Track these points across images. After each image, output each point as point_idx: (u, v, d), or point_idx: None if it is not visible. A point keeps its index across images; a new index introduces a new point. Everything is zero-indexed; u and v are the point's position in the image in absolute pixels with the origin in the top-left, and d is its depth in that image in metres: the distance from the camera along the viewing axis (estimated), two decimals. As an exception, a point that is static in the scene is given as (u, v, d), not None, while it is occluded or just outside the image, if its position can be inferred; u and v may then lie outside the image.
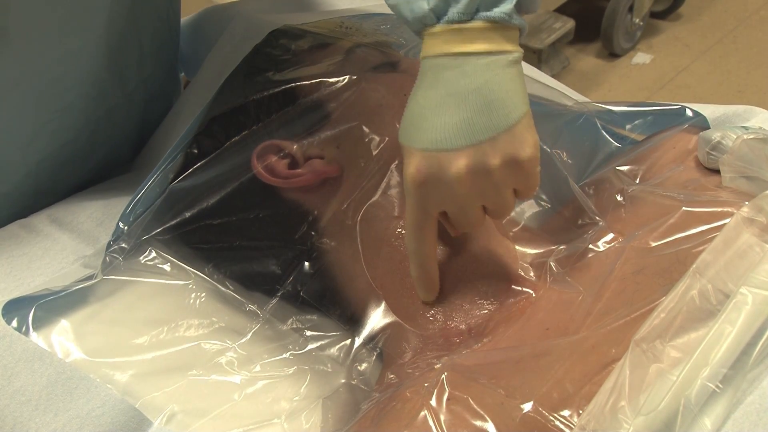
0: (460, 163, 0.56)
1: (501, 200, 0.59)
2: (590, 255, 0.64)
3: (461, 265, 0.66)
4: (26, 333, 0.62)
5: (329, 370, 0.67)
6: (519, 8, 0.57)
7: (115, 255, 0.68)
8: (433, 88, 0.57)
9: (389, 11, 0.84)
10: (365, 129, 0.68)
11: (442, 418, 0.52)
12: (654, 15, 2.35)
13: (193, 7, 0.95)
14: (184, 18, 0.89)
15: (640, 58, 2.25)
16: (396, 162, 0.68)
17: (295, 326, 0.69)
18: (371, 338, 0.67)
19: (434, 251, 0.63)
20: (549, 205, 0.76)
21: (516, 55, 0.57)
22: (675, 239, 0.61)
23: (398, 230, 0.67)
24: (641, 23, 2.25)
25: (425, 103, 0.57)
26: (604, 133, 0.77)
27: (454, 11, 0.55)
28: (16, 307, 0.64)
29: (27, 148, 0.73)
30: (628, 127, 0.78)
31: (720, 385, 0.49)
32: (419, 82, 0.58)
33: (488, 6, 0.55)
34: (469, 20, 0.55)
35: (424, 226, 0.61)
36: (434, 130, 0.56)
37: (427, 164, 0.57)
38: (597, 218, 0.67)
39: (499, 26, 0.56)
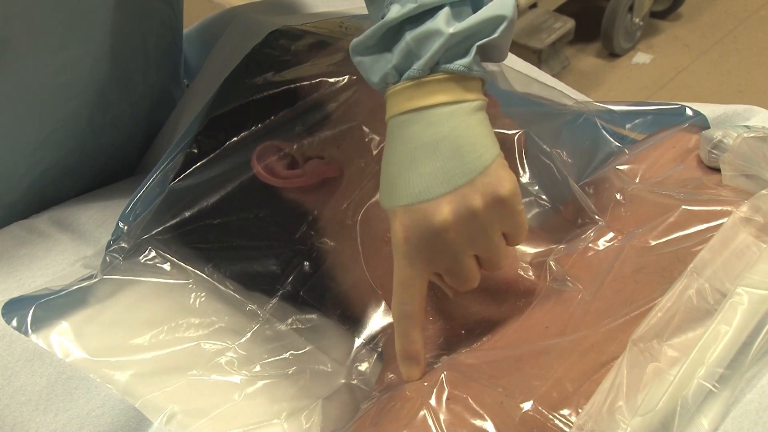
0: (444, 210, 0.54)
1: (492, 245, 0.57)
2: (590, 254, 0.64)
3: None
4: (25, 333, 0.62)
5: (329, 370, 0.67)
6: (485, 57, 0.57)
7: (115, 255, 0.69)
8: (401, 145, 0.56)
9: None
10: (365, 129, 0.68)
11: (441, 417, 0.52)
12: (654, 15, 2.35)
13: (194, 10, 0.95)
14: (189, 27, 0.89)
15: (640, 58, 2.25)
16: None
17: (295, 326, 0.69)
18: (371, 338, 0.67)
19: (421, 319, 0.59)
20: (549, 205, 0.76)
21: (478, 103, 0.56)
22: (675, 238, 0.61)
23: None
24: (641, 23, 2.25)
25: (397, 160, 0.56)
26: (604, 133, 0.77)
27: (414, 67, 0.55)
28: (16, 307, 0.64)
29: (32, 158, 0.73)
30: (628, 126, 0.78)
31: (717, 385, 0.49)
32: (388, 144, 0.57)
33: (448, 59, 0.55)
34: (429, 74, 0.55)
35: (413, 285, 0.57)
36: (411, 184, 0.55)
37: (411, 218, 0.55)
38: (597, 217, 0.67)
39: (459, 77, 0.55)
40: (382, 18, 0.56)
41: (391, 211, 0.57)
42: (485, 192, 0.55)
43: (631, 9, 2.18)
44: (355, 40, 0.57)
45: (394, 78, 0.56)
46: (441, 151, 0.55)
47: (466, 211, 0.55)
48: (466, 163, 0.54)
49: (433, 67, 0.55)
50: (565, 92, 0.84)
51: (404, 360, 0.59)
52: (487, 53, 0.57)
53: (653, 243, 0.61)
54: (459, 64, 0.55)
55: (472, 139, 0.55)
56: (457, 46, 0.55)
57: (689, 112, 0.76)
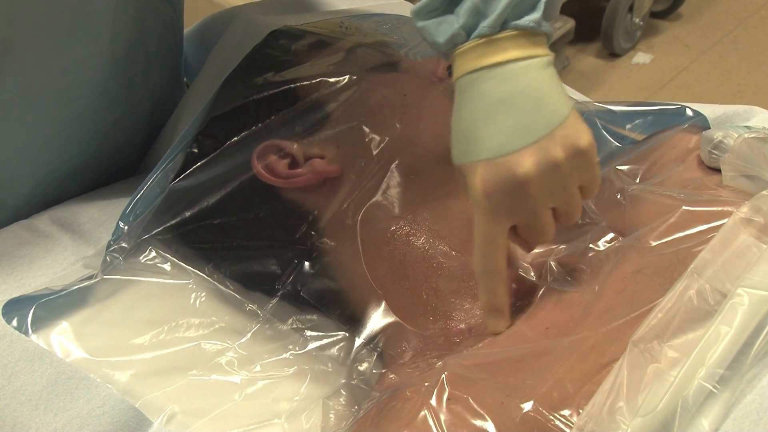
0: (527, 163, 0.55)
1: (571, 198, 0.58)
2: (590, 254, 0.64)
3: (462, 264, 0.65)
4: (25, 333, 0.62)
5: (329, 370, 0.67)
6: (543, 16, 0.58)
7: (115, 255, 0.68)
8: (475, 102, 0.57)
9: (389, 11, 0.84)
10: (365, 129, 0.68)
11: (442, 417, 0.52)
12: (654, 15, 2.35)
13: (194, 10, 0.95)
14: (189, 27, 0.89)
15: (640, 58, 2.25)
16: (396, 162, 0.68)
17: (295, 326, 0.69)
18: (371, 338, 0.67)
19: (504, 272, 0.60)
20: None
21: (548, 58, 0.58)
22: (675, 239, 0.60)
23: (398, 230, 0.67)
24: (641, 23, 2.25)
25: (472, 116, 0.57)
26: (605, 133, 0.77)
27: (483, 25, 0.56)
28: (16, 307, 0.64)
29: (35, 161, 0.73)
30: (628, 126, 0.79)
31: (717, 386, 0.49)
32: (459, 101, 0.58)
33: (517, 16, 0.56)
34: (499, 32, 0.56)
35: (496, 239, 0.58)
36: (490, 138, 0.56)
37: (493, 172, 0.56)
38: (597, 218, 0.67)
39: (528, 33, 0.56)
40: None
41: (469, 166, 0.57)
42: (565, 144, 0.56)
43: (631, 9, 2.18)
44: (415, 7, 0.58)
45: (463, 38, 0.57)
46: (518, 106, 0.56)
47: (547, 164, 0.56)
48: (545, 116, 0.56)
49: (503, 24, 0.56)
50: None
51: (490, 313, 0.61)
52: (546, 10, 0.58)
53: (654, 244, 0.61)
54: (528, 20, 0.56)
55: (548, 92, 0.56)
56: (524, 2, 0.56)
57: (689, 112, 0.76)
